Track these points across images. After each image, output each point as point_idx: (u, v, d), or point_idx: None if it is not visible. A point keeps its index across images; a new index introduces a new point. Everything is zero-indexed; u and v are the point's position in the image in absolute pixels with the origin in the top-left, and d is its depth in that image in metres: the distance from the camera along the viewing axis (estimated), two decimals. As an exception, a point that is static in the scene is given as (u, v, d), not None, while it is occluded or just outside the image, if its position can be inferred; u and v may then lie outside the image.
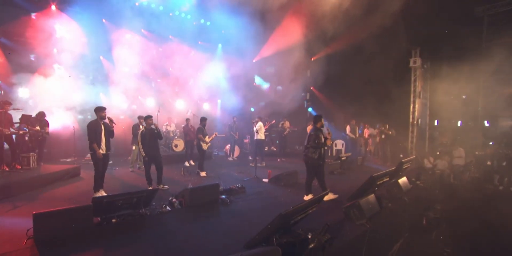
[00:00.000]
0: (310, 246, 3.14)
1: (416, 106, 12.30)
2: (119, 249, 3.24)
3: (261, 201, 5.31)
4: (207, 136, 7.50)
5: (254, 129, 8.45)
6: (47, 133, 7.38)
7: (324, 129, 5.91)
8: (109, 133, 5.27)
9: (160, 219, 4.21)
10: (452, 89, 13.40)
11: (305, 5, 12.22)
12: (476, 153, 11.67)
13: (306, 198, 5.40)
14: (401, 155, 11.39)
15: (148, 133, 6.01)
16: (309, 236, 3.24)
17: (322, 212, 4.68)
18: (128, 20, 10.74)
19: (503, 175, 9.88)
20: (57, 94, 8.87)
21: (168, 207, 4.56)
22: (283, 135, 10.85)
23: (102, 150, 5.16)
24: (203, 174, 7.42)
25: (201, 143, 7.38)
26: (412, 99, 12.36)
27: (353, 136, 11.53)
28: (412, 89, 12.38)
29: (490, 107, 13.64)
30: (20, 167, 6.25)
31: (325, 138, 5.67)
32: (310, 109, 13.92)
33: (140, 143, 5.99)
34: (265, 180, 6.83)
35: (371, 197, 4.51)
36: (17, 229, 3.51)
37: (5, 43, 8.88)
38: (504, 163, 9.96)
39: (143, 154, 6.00)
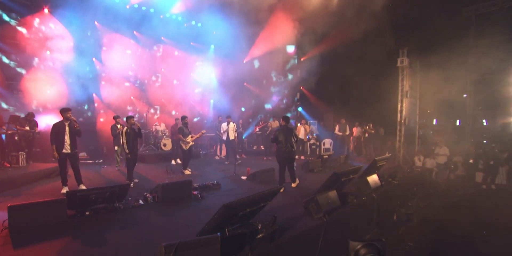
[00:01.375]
0: (258, 236, 3.45)
1: (404, 105, 12.50)
2: (86, 238, 3.57)
3: (233, 197, 5.60)
4: (190, 136, 7.80)
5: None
6: (38, 133, 7.77)
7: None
8: (75, 133, 5.57)
9: (131, 212, 4.54)
10: (442, 88, 13.60)
11: (293, 5, 12.47)
12: (474, 151, 11.88)
13: (294, 185, 6.39)
14: (387, 154, 11.63)
15: (132, 133, 6.36)
16: (259, 227, 3.54)
17: (288, 206, 5.00)
18: (119, 22, 11.10)
19: (487, 174, 10.11)
20: (50, 95, 9.25)
21: (141, 201, 4.89)
22: (266, 134, 11.14)
23: (66, 150, 5.49)
24: (186, 172, 7.75)
25: (181, 143, 7.70)
26: (399, 98, 12.53)
27: (340, 134, 11.78)
28: (399, 88, 12.55)
29: (478, 106, 13.83)
30: (9, 165, 6.64)
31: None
32: (300, 109, 14.21)
33: (125, 141, 6.33)
34: (243, 177, 7.14)
35: (332, 192, 4.79)
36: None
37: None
38: (492, 162, 10.17)
39: (127, 151, 6.34)
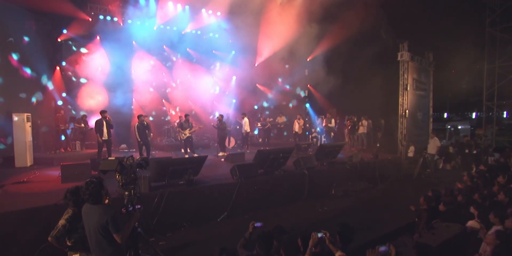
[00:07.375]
0: (180, 183, 6.42)
1: (405, 98, 13.75)
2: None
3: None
4: (187, 129, 11.10)
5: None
6: (91, 129, 11.98)
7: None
8: (110, 126, 9.23)
9: (127, 174, 7.94)
10: (457, 80, 14.37)
11: (297, 6, 14.57)
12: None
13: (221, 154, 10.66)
14: (377, 145, 13.22)
15: (141, 126, 9.89)
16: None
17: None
18: (151, 40, 15.06)
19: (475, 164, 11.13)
20: (97, 101, 13.53)
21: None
22: (265, 128, 13.78)
23: (105, 137, 9.17)
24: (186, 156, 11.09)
25: (179, 134, 11.08)
26: (401, 92, 13.80)
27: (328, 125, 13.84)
28: (400, 82, 13.81)
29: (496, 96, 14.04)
30: (70, 150, 10.88)
31: None
32: (307, 105, 16.40)
33: (136, 132, 9.88)
34: (222, 159, 10.12)
35: (251, 164, 7.43)
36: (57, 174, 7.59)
37: (67, 68, 13.92)
38: (475, 152, 11.15)
39: (139, 140, 9.88)
